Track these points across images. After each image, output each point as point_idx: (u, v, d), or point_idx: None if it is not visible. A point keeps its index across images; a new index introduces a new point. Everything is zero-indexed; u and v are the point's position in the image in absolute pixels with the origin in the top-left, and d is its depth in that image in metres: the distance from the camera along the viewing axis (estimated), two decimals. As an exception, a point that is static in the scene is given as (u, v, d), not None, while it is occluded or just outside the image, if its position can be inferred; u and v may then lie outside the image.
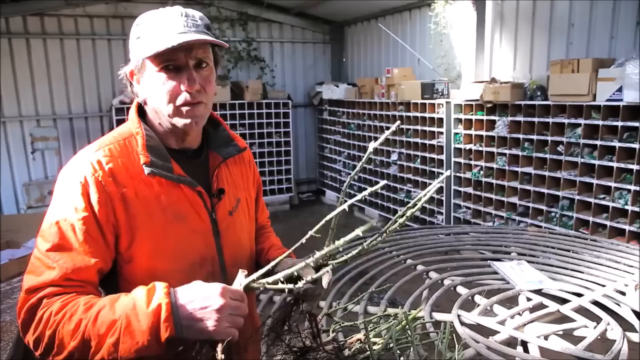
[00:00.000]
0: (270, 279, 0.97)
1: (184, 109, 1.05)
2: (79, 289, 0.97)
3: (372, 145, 1.00)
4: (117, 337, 0.87)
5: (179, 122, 1.07)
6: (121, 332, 0.87)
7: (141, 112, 1.15)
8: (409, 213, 0.97)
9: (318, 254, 0.98)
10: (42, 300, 0.94)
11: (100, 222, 1.00)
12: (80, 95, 6.76)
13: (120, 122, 6.09)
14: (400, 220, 0.97)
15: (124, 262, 1.05)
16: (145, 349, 0.86)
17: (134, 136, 1.09)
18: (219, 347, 0.89)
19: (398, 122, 1.10)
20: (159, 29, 1.02)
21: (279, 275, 0.96)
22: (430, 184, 5.88)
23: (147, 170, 1.04)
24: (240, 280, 0.98)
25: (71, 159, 1.07)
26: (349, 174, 7.59)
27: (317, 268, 0.99)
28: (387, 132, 1.03)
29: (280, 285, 0.96)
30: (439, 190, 5.58)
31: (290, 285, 0.95)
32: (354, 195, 0.98)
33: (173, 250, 1.07)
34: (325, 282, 1.05)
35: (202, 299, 0.90)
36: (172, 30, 1.01)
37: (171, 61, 1.03)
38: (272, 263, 1.03)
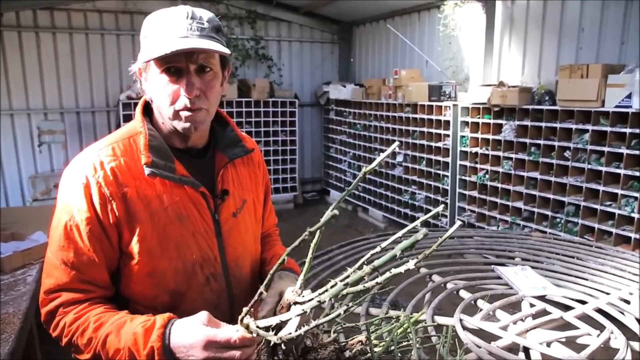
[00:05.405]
0: (260, 323, 0.90)
1: (183, 113, 1.04)
2: (90, 294, 1.02)
3: (364, 170, 0.95)
4: None
5: (179, 125, 1.07)
6: None
7: (147, 110, 1.14)
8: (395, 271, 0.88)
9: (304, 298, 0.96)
10: (59, 308, 1.01)
11: (102, 222, 1.02)
12: (88, 89, 6.79)
13: (127, 117, 6.12)
14: (385, 275, 0.88)
15: (126, 260, 1.05)
16: None
17: (138, 134, 1.09)
18: None
19: (397, 143, 1.01)
20: (163, 31, 1.01)
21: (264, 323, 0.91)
22: (435, 186, 5.85)
23: (147, 170, 1.04)
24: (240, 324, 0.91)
25: (76, 157, 1.08)
26: (355, 174, 7.64)
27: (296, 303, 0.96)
28: (383, 155, 0.93)
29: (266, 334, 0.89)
30: (444, 194, 5.57)
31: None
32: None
33: (173, 249, 1.07)
34: (293, 327, 0.92)
35: (188, 346, 0.89)
36: (174, 34, 1.00)
37: (172, 64, 1.01)
38: (261, 288, 0.94)
